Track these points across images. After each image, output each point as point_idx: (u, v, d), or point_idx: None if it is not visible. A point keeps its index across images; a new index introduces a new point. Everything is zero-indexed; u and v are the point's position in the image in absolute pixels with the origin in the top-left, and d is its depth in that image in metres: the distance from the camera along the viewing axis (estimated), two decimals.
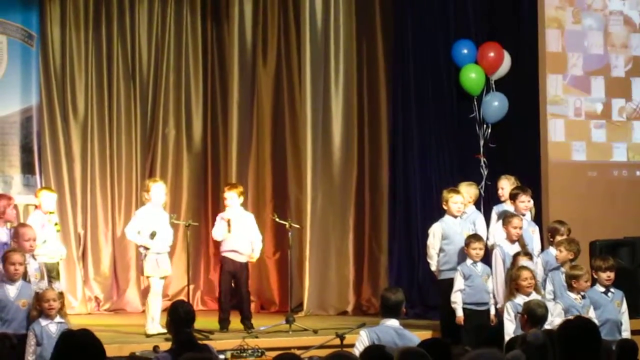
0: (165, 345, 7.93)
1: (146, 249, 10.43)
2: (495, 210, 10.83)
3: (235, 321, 10.86)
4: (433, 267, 10.63)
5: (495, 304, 10.06)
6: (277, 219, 11.61)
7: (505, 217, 10.32)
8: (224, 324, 10.80)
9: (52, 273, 10.11)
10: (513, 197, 10.54)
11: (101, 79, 13.11)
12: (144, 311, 10.71)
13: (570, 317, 7.54)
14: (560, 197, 12.06)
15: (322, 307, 12.69)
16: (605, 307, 9.30)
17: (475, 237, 10.17)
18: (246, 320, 10.81)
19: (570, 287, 9.25)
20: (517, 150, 12.44)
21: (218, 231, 10.99)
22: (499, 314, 9.83)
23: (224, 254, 10.97)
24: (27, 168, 12.74)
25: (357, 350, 7.02)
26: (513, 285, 9.36)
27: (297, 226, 11.94)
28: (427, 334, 9.60)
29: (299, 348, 8.86)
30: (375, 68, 13.13)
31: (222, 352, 8.77)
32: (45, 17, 12.86)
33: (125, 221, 12.29)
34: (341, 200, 12.92)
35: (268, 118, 13.44)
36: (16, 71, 12.73)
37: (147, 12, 13.37)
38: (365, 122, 13.12)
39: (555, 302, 9.31)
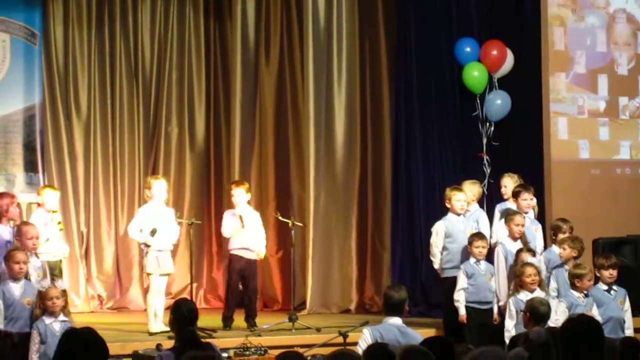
0: (168, 344, 7.92)
1: (147, 246, 10.45)
2: (498, 208, 10.83)
3: (238, 319, 10.87)
4: (436, 265, 10.63)
5: (498, 301, 10.06)
6: (280, 218, 11.62)
7: (507, 214, 10.32)
8: (228, 321, 10.81)
9: (54, 271, 10.12)
10: (515, 195, 10.54)
11: (104, 78, 13.12)
12: (146, 309, 10.71)
13: (574, 314, 7.54)
14: (564, 195, 12.05)
15: (325, 305, 12.70)
16: (608, 305, 9.30)
17: (478, 235, 10.17)
18: (250, 318, 10.81)
19: (574, 286, 9.23)
20: (520, 148, 12.43)
21: (229, 227, 10.95)
22: (502, 311, 9.83)
23: (233, 252, 10.94)
24: (30, 166, 12.74)
25: (360, 349, 7.01)
26: (517, 282, 9.37)
27: (300, 224, 11.95)
28: (430, 332, 9.60)
29: (301, 346, 8.85)
30: (378, 66, 13.13)
31: (225, 350, 8.76)
32: (48, 15, 12.87)
33: (128, 219, 12.30)
34: (344, 199, 12.92)
35: (271, 116, 13.45)
36: (19, 69, 12.73)
37: (150, 11, 13.38)
38: (368, 120, 13.12)
39: (559, 300, 9.30)
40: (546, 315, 7.88)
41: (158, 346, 8.60)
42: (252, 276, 10.92)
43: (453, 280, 10.19)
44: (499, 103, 12.53)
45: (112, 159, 13.13)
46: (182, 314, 7.01)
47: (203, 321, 8.56)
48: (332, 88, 12.91)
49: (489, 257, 10.24)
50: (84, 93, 13.06)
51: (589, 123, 12.50)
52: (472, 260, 10.08)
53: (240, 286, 10.95)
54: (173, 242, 10.80)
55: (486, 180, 12.33)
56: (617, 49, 12.66)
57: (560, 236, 10.08)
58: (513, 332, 8.99)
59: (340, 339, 8.73)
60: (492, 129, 12.60)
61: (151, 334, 10.23)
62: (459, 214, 10.50)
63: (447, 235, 10.48)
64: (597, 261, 9.60)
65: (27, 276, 8.76)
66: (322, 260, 12.70)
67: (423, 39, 12.60)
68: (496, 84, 12.61)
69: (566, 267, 9.72)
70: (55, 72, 12.86)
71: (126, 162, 13.17)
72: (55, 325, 8.21)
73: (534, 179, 11.49)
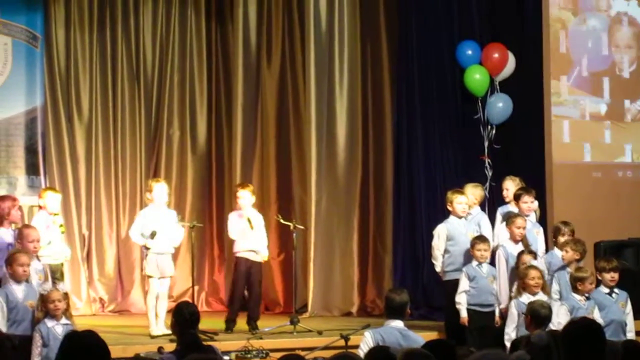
0: (170, 347, 7.93)
1: (147, 248, 10.45)
2: (500, 211, 10.84)
3: (240, 322, 10.87)
4: (438, 268, 10.64)
5: (499, 304, 10.06)
6: (281, 220, 11.61)
7: (508, 217, 10.34)
8: (230, 324, 10.81)
9: (56, 274, 10.11)
10: (517, 198, 10.55)
11: (105, 80, 13.11)
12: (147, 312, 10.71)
13: (576, 318, 7.54)
14: (565, 198, 12.05)
15: (327, 308, 12.69)
16: (610, 308, 9.29)
17: (480, 238, 10.17)
18: (252, 321, 10.81)
19: (575, 289, 9.24)
20: (522, 151, 12.43)
21: (236, 229, 10.95)
22: (503, 314, 9.83)
23: (239, 254, 10.92)
24: (32, 169, 12.74)
25: (361, 352, 7.01)
26: (520, 284, 9.37)
27: (302, 227, 11.95)
28: (431, 335, 9.58)
29: (303, 349, 8.87)
30: (380, 69, 13.13)
31: (227, 353, 8.78)
32: (50, 18, 12.86)
33: (129, 222, 12.29)
34: (345, 202, 12.92)
35: (272, 119, 13.44)
36: (21, 72, 12.73)
37: (152, 14, 13.37)
38: (370, 123, 13.12)
39: (560, 303, 9.30)
40: (547, 318, 7.88)
41: (160, 349, 8.61)
42: (256, 279, 10.91)
43: (455, 283, 10.19)
44: (500, 106, 12.54)
45: (114, 161, 13.12)
46: (183, 316, 7.01)
47: (205, 324, 8.58)
48: (334, 91, 12.90)
49: (491, 260, 10.23)
50: (85, 96, 13.05)
51: (591, 126, 12.50)
52: (474, 263, 10.08)
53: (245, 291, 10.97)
54: (175, 245, 10.80)
55: (488, 183, 12.33)
56: (618, 52, 12.66)
57: (561, 239, 10.09)
58: (513, 335, 9.00)
59: (341, 342, 8.75)
60: (494, 131, 12.60)
61: (153, 337, 10.23)
62: (460, 217, 10.51)
63: (448, 238, 10.49)
64: (598, 264, 9.59)
65: (27, 279, 8.77)
66: (324, 263, 12.69)
67: (424, 42, 12.60)
68: (497, 87, 12.61)
69: (568, 269, 9.72)
70: (57, 74, 12.86)
71: (128, 165, 13.16)
72: (57, 328, 8.20)
73: (536, 182, 11.50)
